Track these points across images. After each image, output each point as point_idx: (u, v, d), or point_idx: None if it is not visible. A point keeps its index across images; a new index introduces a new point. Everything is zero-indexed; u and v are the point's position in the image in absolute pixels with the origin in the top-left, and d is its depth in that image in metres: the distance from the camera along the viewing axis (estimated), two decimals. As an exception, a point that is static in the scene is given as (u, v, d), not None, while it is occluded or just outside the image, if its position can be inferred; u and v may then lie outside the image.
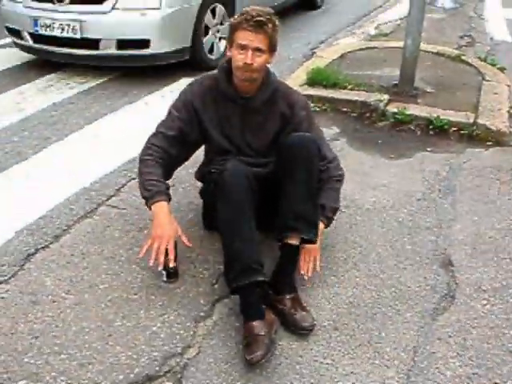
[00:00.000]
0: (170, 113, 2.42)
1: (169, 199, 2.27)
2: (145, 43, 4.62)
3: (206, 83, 2.44)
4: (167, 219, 2.19)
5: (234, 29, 2.25)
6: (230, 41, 2.29)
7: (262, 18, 2.18)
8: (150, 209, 2.24)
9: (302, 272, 2.32)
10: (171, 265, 2.28)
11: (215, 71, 2.46)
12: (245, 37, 2.20)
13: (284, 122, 2.43)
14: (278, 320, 2.19)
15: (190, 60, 4.97)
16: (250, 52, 2.20)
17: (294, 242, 2.25)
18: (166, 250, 2.14)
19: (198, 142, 2.52)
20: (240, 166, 2.26)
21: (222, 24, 5.27)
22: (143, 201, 2.29)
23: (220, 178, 2.21)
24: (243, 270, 2.08)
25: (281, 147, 2.35)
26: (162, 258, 2.14)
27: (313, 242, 2.28)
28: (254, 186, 2.21)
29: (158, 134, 2.39)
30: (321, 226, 2.37)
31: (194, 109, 2.39)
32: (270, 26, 2.21)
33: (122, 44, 4.59)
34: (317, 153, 2.30)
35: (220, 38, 5.31)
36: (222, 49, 5.28)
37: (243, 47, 2.21)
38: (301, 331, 2.14)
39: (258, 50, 2.21)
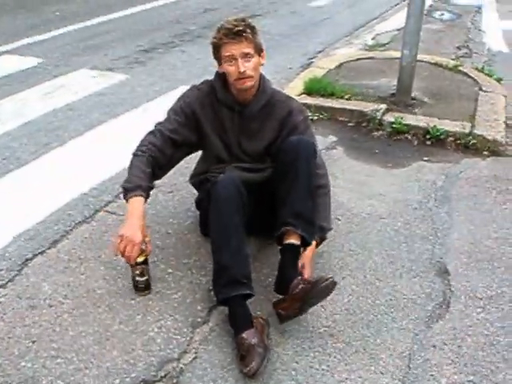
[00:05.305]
0: (168, 116, 2.42)
1: (147, 197, 2.22)
2: None
3: (204, 89, 2.45)
4: (139, 223, 2.13)
5: (217, 47, 2.29)
6: (218, 59, 2.32)
7: (239, 28, 2.22)
8: (127, 201, 2.19)
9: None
10: (138, 278, 2.30)
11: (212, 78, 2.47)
12: (229, 49, 2.24)
13: (281, 127, 2.45)
14: (279, 321, 2.18)
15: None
16: (239, 60, 2.24)
17: (295, 241, 2.22)
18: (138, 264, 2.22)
19: (193, 146, 2.51)
20: (232, 177, 2.25)
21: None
22: None
23: (212, 189, 2.23)
24: (230, 283, 2.10)
25: (279, 150, 2.36)
26: (129, 259, 2.13)
27: (309, 242, 2.28)
28: (245, 197, 2.21)
29: (156, 132, 2.37)
30: (314, 244, 2.36)
31: (192, 112, 2.40)
32: (248, 31, 2.24)
33: None
34: (314, 153, 2.33)
35: None
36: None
37: (231, 58, 2.25)
38: (328, 285, 2.09)
39: (245, 55, 2.25)
